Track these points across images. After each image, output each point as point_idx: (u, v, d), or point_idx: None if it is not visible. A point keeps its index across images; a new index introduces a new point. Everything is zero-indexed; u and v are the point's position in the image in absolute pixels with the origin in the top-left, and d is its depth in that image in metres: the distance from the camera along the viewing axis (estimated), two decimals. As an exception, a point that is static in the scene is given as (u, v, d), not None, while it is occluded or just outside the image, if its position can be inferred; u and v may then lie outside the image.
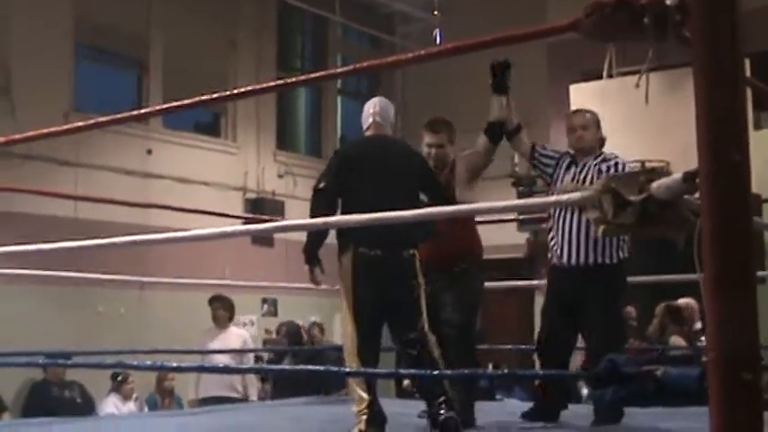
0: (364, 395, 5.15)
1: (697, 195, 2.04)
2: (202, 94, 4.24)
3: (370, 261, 5.22)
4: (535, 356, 6.42)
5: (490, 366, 10.76)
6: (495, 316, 14.86)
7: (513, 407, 6.89)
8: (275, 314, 13.76)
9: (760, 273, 8.08)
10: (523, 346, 12.10)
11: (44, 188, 9.89)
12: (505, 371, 4.75)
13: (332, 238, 5.41)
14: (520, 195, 12.81)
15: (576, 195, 2.78)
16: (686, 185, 2.33)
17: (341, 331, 5.57)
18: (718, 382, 1.86)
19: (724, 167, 1.87)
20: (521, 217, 10.39)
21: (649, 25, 2.21)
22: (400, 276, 5.28)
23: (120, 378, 10.33)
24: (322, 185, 5.36)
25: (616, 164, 5.74)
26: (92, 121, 4.93)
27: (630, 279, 5.96)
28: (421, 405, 5.35)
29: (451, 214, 4.79)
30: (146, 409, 10.42)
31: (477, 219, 9.66)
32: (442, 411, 5.04)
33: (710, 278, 1.89)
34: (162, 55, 13.13)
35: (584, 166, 5.77)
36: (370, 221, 4.32)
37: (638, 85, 2.65)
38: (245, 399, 9.77)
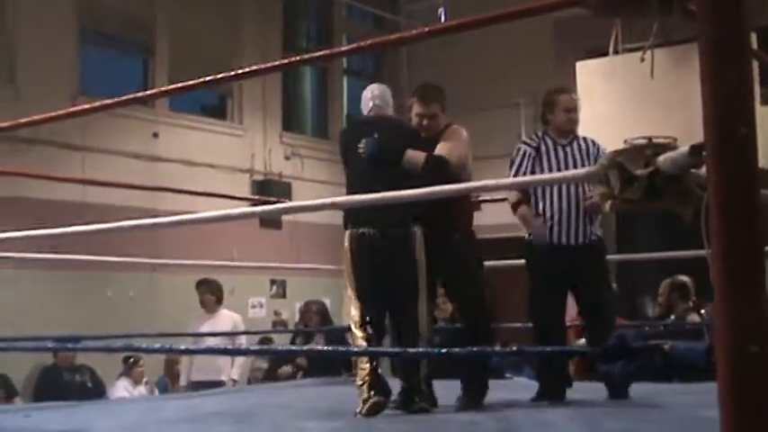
0: (365, 365, 5.24)
1: (704, 169, 2.04)
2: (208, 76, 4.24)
3: (364, 240, 5.36)
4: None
5: (498, 345, 10.74)
6: (503, 294, 14.88)
7: (522, 385, 6.90)
8: (284, 296, 13.77)
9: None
10: (531, 324, 12.15)
11: (51, 172, 9.91)
12: (514, 349, 4.76)
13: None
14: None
15: (581, 171, 2.77)
16: (693, 159, 2.32)
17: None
18: (725, 355, 1.86)
19: (730, 141, 1.86)
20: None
21: (654, 0, 2.20)
22: (394, 255, 5.37)
23: (131, 361, 10.36)
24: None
25: (593, 142, 5.91)
26: (97, 104, 4.94)
27: (638, 256, 5.99)
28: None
29: (450, 193, 4.76)
30: (156, 393, 10.45)
31: (486, 197, 9.68)
32: (416, 399, 5.19)
33: (718, 252, 1.88)
34: (167, 39, 13.10)
35: (571, 146, 5.82)
36: (365, 202, 4.34)
37: (643, 59, 2.64)
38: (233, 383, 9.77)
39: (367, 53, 16.38)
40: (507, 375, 9.68)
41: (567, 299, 5.87)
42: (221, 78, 4.48)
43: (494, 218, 13.98)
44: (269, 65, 4.87)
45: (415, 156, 5.46)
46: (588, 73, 9.25)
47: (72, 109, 6.88)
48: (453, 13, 13.37)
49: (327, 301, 13.30)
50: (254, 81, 13.69)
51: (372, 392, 5.21)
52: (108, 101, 5.00)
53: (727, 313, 1.87)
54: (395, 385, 5.39)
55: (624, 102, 8.24)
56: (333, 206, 4.67)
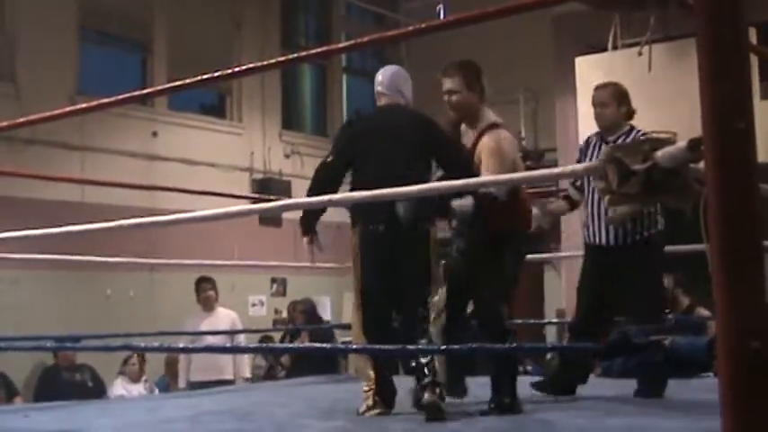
0: (371, 373, 5.13)
1: (702, 164, 2.03)
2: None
3: (374, 237, 5.11)
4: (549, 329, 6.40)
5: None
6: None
7: (525, 380, 6.89)
8: (284, 294, 13.77)
9: (768, 242, 8.06)
10: (532, 321, 12.12)
11: (50, 172, 9.90)
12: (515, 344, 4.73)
13: (344, 216, 5.42)
14: (527, 170, 12.77)
15: (579, 166, 2.76)
16: (691, 153, 2.31)
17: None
18: (725, 350, 1.85)
19: (728, 135, 1.85)
20: (529, 190, 10.28)
21: (651, -7, 2.19)
22: (404, 253, 5.12)
23: (125, 359, 10.35)
24: (329, 159, 5.28)
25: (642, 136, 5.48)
26: (95, 103, 4.93)
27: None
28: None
29: (457, 189, 4.71)
30: (156, 392, 10.44)
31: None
32: (426, 395, 4.89)
33: (717, 247, 1.87)
34: (166, 37, 13.10)
35: (612, 143, 5.62)
36: (367, 198, 4.28)
37: (640, 53, 2.64)
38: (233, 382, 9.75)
39: (366, 51, 16.40)
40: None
41: (607, 296, 5.68)
42: (219, 76, 4.46)
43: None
44: (267, 62, 4.83)
45: (463, 205, 5.11)
46: (587, 68, 9.24)
47: (69, 108, 6.88)
48: (452, 9, 13.35)
49: (327, 299, 13.33)
50: (253, 79, 13.69)
51: (375, 403, 5.13)
52: (106, 100, 4.99)
53: (728, 308, 1.86)
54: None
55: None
56: (332, 203, 4.61)
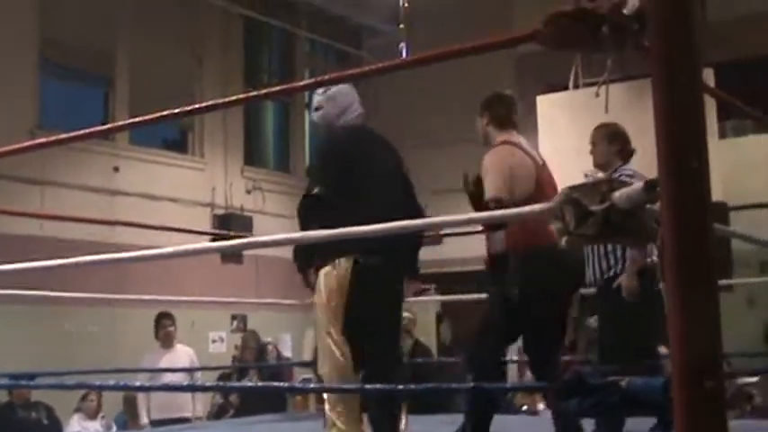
0: (343, 427, 4.68)
1: (659, 204, 2.04)
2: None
3: (370, 272, 4.76)
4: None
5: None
6: (463, 329, 14.87)
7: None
8: (245, 330, 13.70)
9: (725, 281, 8.12)
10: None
11: (9, 206, 9.81)
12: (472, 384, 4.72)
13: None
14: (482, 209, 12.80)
15: (536, 207, 2.77)
16: (647, 194, 2.32)
17: (320, 354, 4.97)
18: (681, 391, 1.85)
19: (683, 175, 1.86)
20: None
21: (608, 35, 2.21)
22: (401, 289, 4.99)
23: (83, 394, 10.23)
24: (320, 191, 4.91)
25: (630, 175, 5.49)
26: (56, 138, 4.90)
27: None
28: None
29: (419, 227, 4.68)
30: (114, 429, 10.33)
31: (449, 231, 9.69)
32: None
33: (672, 286, 1.88)
34: (128, 71, 13.08)
35: None
36: (335, 237, 4.04)
37: (597, 94, 2.66)
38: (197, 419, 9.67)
39: (330, 88, 16.40)
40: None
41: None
42: (181, 112, 4.43)
43: (458, 251, 14.05)
44: (229, 99, 4.83)
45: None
46: (549, 107, 9.35)
47: (30, 143, 6.82)
48: (415, 47, 13.43)
49: (288, 336, 13.27)
50: (216, 115, 13.67)
51: None
52: (67, 135, 4.96)
53: (682, 348, 1.86)
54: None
55: (584, 135, 8.29)
56: (290, 241, 4.56)
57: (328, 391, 5.02)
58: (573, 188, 2.48)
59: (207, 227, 12.96)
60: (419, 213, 4.98)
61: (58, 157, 11.28)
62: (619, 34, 2.20)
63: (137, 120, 4.87)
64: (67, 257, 4.83)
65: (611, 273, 5.51)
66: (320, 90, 5.26)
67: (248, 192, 14.45)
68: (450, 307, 15.11)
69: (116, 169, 12.54)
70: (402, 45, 13.16)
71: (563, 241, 2.52)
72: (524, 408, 9.93)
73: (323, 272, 4.88)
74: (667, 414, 1.91)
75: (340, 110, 5.23)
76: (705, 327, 1.87)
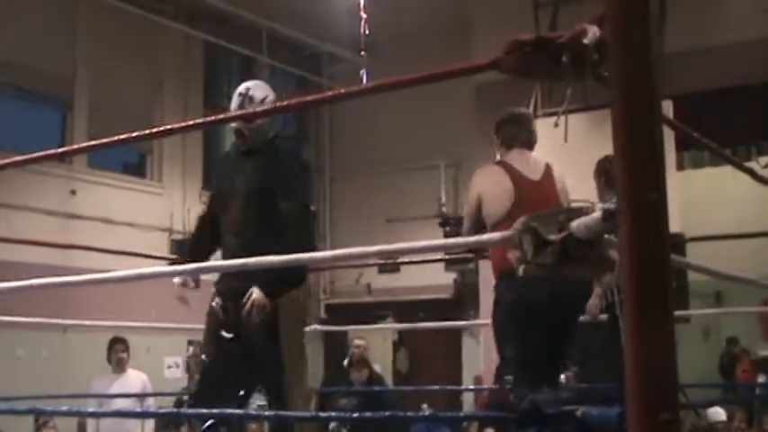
0: None
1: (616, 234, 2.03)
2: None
3: (309, 297, 4.90)
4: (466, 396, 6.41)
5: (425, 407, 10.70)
6: (422, 357, 14.87)
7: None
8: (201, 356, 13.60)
9: (681, 312, 8.16)
10: (449, 387, 12.10)
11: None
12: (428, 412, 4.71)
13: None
14: (446, 235, 12.84)
15: (497, 236, 2.77)
16: (606, 224, 2.32)
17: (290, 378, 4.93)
18: (636, 422, 1.84)
19: (641, 206, 1.86)
20: (447, 257, 10.29)
21: (567, 64, 2.22)
22: None
23: (40, 422, 10.08)
24: (314, 208, 5.03)
25: None
26: (11, 159, 4.83)
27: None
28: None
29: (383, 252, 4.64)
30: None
31: (405, 259, 9.67)
32: None
33: (629, 316, 1.88)
34: (87, 95, 13.00)
35: None
36: (304, 261, 4.04)
37: (557, 124, 2.67)
38: None
39: (289, 113, 16.43)
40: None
41: None
42: (140, 136, 4.39)
43: (415, 280, 14.06)
44: (188, 123, 4.81)
45: None
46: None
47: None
48: (375, 74, 13.47)
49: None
50: (175, 139, 13.62)
51: None
52: (23, 156, 4.92)
53: (639, 379, 1.86)
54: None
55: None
56: (245, 266, 4.50)
57: (282, 417, 4.97)
58: (531, 217, 2.48)
59: (165, 252, 12.86)
60: None
61: (15, 180, 11.17)
62: (579, 64, 2.20)
63: (94, 143, 4.85)
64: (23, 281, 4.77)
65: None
66: (258, 95, 5.15)
67: (206, 217, 14.37)
68: (407, 335, 15.11)
69: (73, 192, 12.45)
70: (363, 71, 13.20)
71: (520, 270, 2.52)
72: None
73: (288, 297, 4.87)
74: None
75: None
76: (661, 358, 1.86)
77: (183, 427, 10.35)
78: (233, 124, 5.14)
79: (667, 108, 8.46)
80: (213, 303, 4.83)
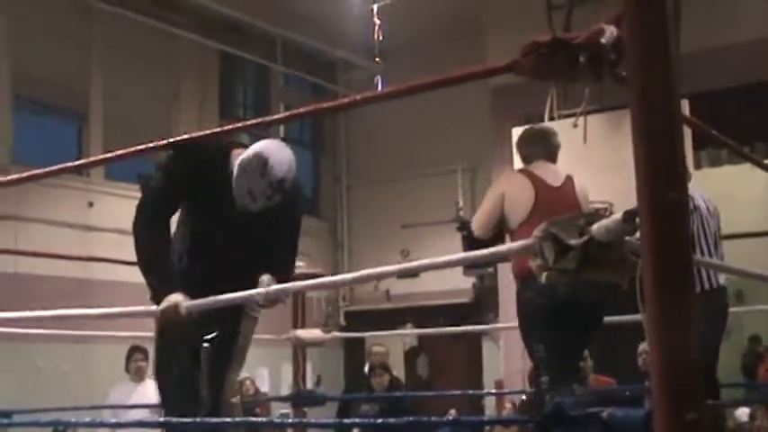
0: None
1: (638, 235, 2.02)
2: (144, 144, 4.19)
3: None
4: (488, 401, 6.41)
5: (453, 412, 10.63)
6: (442, 362, 14.84)
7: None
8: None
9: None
10: (471, 392, 12.07)
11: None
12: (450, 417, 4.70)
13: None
14: (464, 240, 12.80)
15: (517, 245, 2.75)
16: (626, 226, 2.31)
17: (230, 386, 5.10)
18: (662, 423, 1.83)
19: (662, 206, 1.85)
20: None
21: (585, 65, 2.20)
22: None
23: (61, 433, 10.08)
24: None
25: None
26: (28, 173, 4.85)
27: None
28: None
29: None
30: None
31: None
32: None
33: (652, 317, 1.86)
34: (103, 107, 13.02)
35: None
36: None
37: (575, 125, 2.65)
38: None
39: (305, 122, 16.47)
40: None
41: None
42: (155, 147, 4.40)
43: (432, 285, 14.04)
44: (203, 132, 4.80)
45: None
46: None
47: (4, 178, 6.78)
48: (390, 80, 13.46)
49: (266, 371, 13.19)
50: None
51: None
52: (40, 170, 4.92)
53: (663, 379, 1.84)
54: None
55: (561, 167, 8.29)
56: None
57: (306, 425, 5.10)
58: (550, 224, 2.46)
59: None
60: None
61: (33, 193, 11.21)
62: (596, 64, 2.19)
63: (111, 155, 4.85)
64: (41, 294, 4.79)
65: None
66: (288, 174, 4.46)
67: (224, 225, 14.38)
68: (427, 340, 15.07)
69: (91, 204, 12.47)
70: (378, 78, 13.19)
71: (543, 277, 2.50)
72: None
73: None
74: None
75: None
76: (686, 358, 1.85)
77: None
78: (258, 196, 4.45)
79: (684, 107, 8.41)
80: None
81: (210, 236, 4.70)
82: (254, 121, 5.17)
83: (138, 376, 9.56)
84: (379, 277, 4.07)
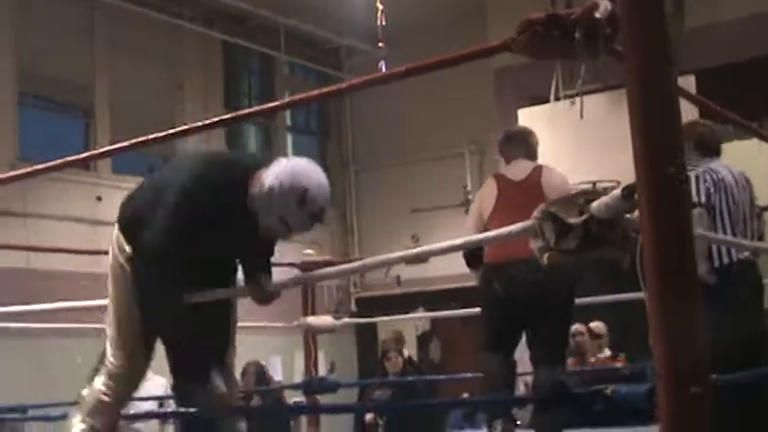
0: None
1: (637, 213, 2.01)
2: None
3: None
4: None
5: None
6: (455, 346, 14.83)
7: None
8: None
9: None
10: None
11: (-7, 240, 9.79)
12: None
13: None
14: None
15: (518, 227, 2.73)
16: (626, 202, 2.29)
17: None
18: (666, 397, 1.83)
19: (659, 180, 1.84)
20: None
21: (581, 41, 2.19)
22: None
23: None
24: None
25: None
26: (34, 168, 4.86)
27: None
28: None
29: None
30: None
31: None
32: None
33: (654, 293, 1.86)
34: (108, 101, 13.03)
35: None
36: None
37: (572, 102, 2.64)
38: None
39: (310, 109, 16.46)
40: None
41: None
42: (161, 137, 4.39)
43: (443, 269, 14.03)
44: (209, 121, 4.79)
45: None
46: (530, 120, 9.31)
47: (12, 173, 6.78)
48: (395, 65, 13.43)
49: (278, 359, 13.20)
50: (197, 142, 13.63)
51: None
52: (48, 163, 4.90)
53: (666, 354, 1.84)
54: None
55: (567, 147, 8.28)
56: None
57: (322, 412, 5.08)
58: (550, 203, 2.45)
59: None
60: None
61: (41, 189, 11.23)
62: (592, 40, 2.18)
63: (117, 146, 4.85)
64: (54, 289, 4.80)
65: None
66: (326, 203, 4.13)
67: (232, 217, 14.39)
68: (439, 325, 15.07)
69: (99, 199, 12.49)
70: (381, 63, 13.17)
71: (544, 258, 2.49)
72: None
73: None
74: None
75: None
76: (689, 332, 1.84)
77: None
78: (295, 227, 4.08)
79: (690, 83, 8.39)
80: None
81: (207, 244, 4.19)
82: (260, 107, 5.15)
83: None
84: (387, 264, 4.03)
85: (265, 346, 12.63)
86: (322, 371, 10.03)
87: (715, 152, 5.88)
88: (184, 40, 14.06)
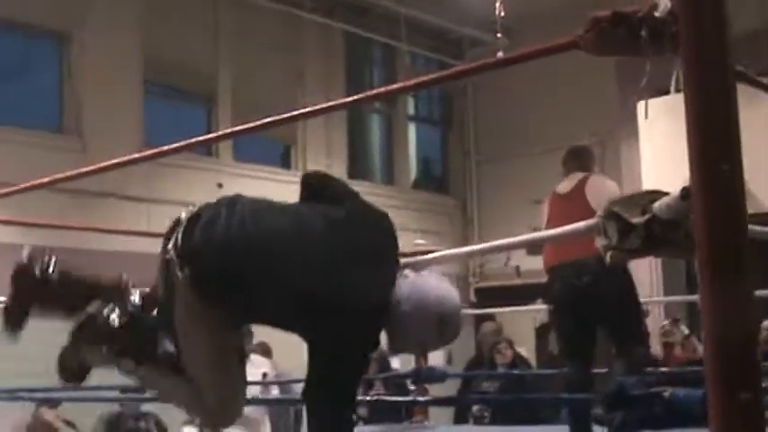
0: None
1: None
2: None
3: None
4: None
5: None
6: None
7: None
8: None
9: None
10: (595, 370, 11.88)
11: (116, 225, 10.03)
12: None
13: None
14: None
15: (581, 225, 2.72)
16: (686, 202, 2.25)
17: None
18: (716, 403, 1.79)
19: (712, 179, 1.80)
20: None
21: (646, 39, 2.16)
22: None
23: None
24: None
25: None
26: (156, 150, 4.92)
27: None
28: None
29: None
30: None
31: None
32: None
33: (707, 294, 1.82)
34: (230, 89, 13.27)
35: None
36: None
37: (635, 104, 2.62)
38: None
39: (433, 99, 16.47)
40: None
41: None
42: (284, 119, 4.40)
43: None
44: (332, 103, 4.85)
45: None
46: (651, 111, 9.14)
47: (135, 155, 6.90)
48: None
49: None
50: (318, 129, 13.78)
51: None
52: (172, 145, 4.93)
53: (717, 359, 1.81)
54: None
55: (684, 140, 8.13)
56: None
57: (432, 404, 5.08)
58: (613, 202, 2.42)
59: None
60: None
61: (163, 175, 11.50)
62: (656, 38, 2.15)
63: (239, 128, 4.89)
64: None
65: None
66: None
67: (354, 204, 14.49)
68: (558, 316, 14.94)
69: (220, 185, 12.68)
70: (500, 54, 13.08)
71: (608, 257, 2.46)
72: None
73: None
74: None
75: None
76: (741, 336, 1.81)
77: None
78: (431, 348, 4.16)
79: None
80: None
81: None
82: (384, 89, 5.16)
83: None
84: (507, 248, 4.13)
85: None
86: (440, 361, 10.07)
87: None
88: (305, 30, 14.22)
